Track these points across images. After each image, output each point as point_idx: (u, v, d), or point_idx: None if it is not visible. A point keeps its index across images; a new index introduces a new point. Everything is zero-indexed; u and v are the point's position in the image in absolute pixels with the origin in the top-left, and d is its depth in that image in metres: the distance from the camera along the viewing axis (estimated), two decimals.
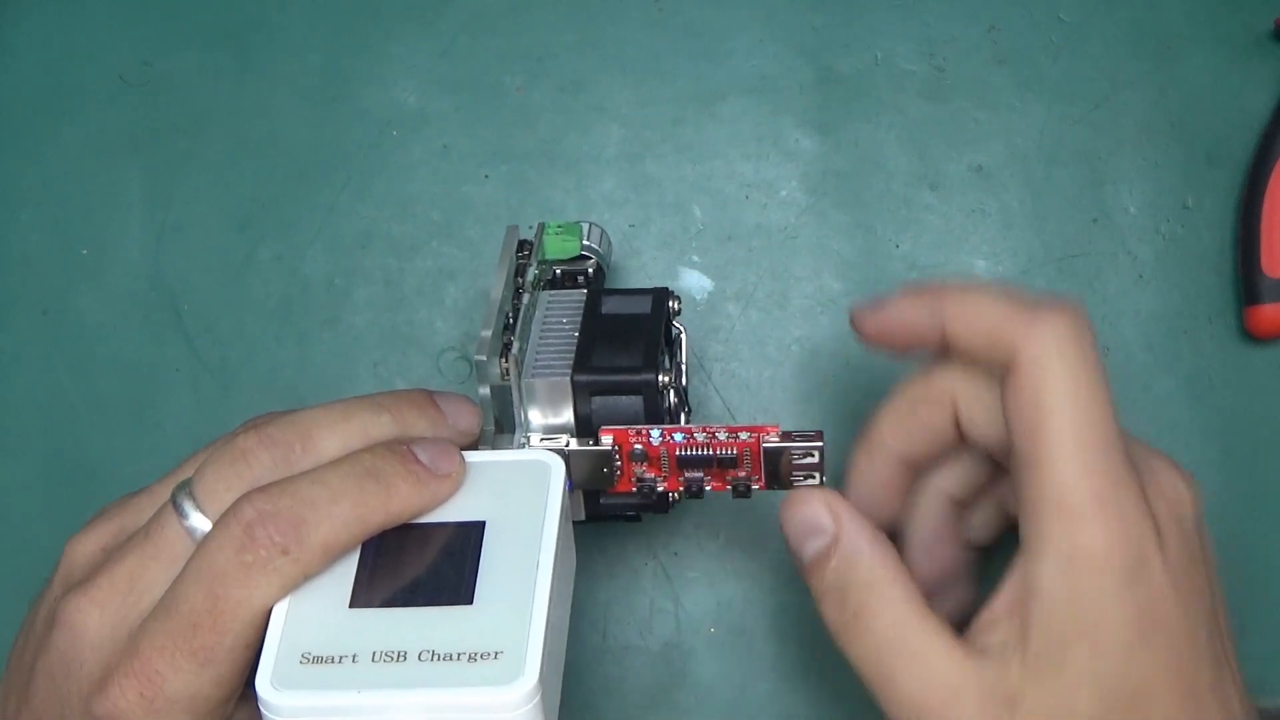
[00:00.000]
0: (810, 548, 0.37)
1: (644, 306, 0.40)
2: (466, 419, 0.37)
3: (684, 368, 0.41)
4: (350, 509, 0.33)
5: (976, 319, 0.36)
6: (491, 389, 0.38)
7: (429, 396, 0.37)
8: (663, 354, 0.39)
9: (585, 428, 0.38)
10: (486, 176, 0.49)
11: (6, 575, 0.47)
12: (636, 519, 0.42)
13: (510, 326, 0.39)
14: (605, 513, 0.40)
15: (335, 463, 0.34)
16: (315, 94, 0.50)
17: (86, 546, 0.36)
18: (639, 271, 0.48)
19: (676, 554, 0.46)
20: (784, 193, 0.49)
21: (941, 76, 0.49)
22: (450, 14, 0.50)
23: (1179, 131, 0.48)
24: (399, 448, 0.34)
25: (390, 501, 0.33)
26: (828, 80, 0.49)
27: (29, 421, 0.48)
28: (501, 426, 0.38)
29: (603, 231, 0.44)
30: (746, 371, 0.48)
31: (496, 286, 0.39)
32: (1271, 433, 0.47)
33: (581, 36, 0.50)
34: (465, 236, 0.49)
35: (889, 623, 0.35)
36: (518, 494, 0.35)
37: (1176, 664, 0.34)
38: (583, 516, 0.40)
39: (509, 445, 0.38)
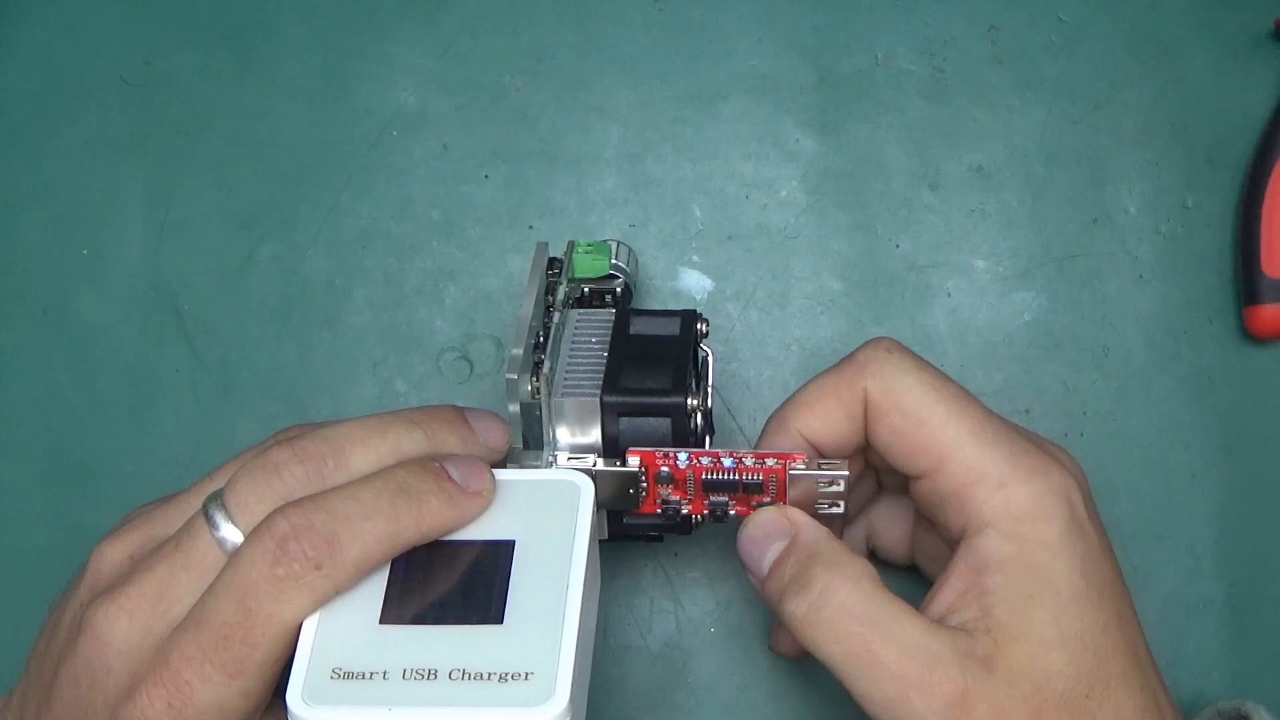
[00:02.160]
0: (770, 555, 0.37)
1: (672, 328, 0.40)
2: (497, 437, 0.37)
3: (710, 391, 0.41)
4: (383, 525, 0.33)
5: (813, 397, 0.38)
6: (521, 406, 0.38)
7: (460, 413, 0.37)
8: (690, 377, 0.39)
9: (612, 448, 0.38)
10: (486, 176, 0.49)
11: (6, 575, 0.47)
12: (659, 539, 0.42)
13: (540, 345, 0.39)
14: (628, 532, 0.40)
15: (368, 478, 0.34)
16: (315, 94, 0.50)
17: (114, 554, 0.36)
18: (639, 272, 0.48)
19: (676, 554, 0.47)
20: (784, 193, 0.49)
21: (941, 76, 0.49)
22: (450, 14, 0.50)
23: (1179, 131, 0.48)
24: (431, 465, 0.34)
25: (422, 518, 0.34)
26: (828, 80, 0.49)
27: (29, 421, 0.48)
28: (528, 444, 0.38)
29: (630, 250, 0.44)
30: (746, 371, 0.48)
31: (527, 304, 0.39)
32: (1271, 433, 0.47)
33: (581, 36, 0.50)
34: (465, 236, 0.49)
35: (859, 598, 0.35)
36: (547, 513, 0.35)
37: (1119, 619, 0.36)
38: (605, 536, 0.40)
39: (536, 463, 0.38)
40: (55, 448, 0.48)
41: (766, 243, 0.48)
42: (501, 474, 0.36)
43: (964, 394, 0.37)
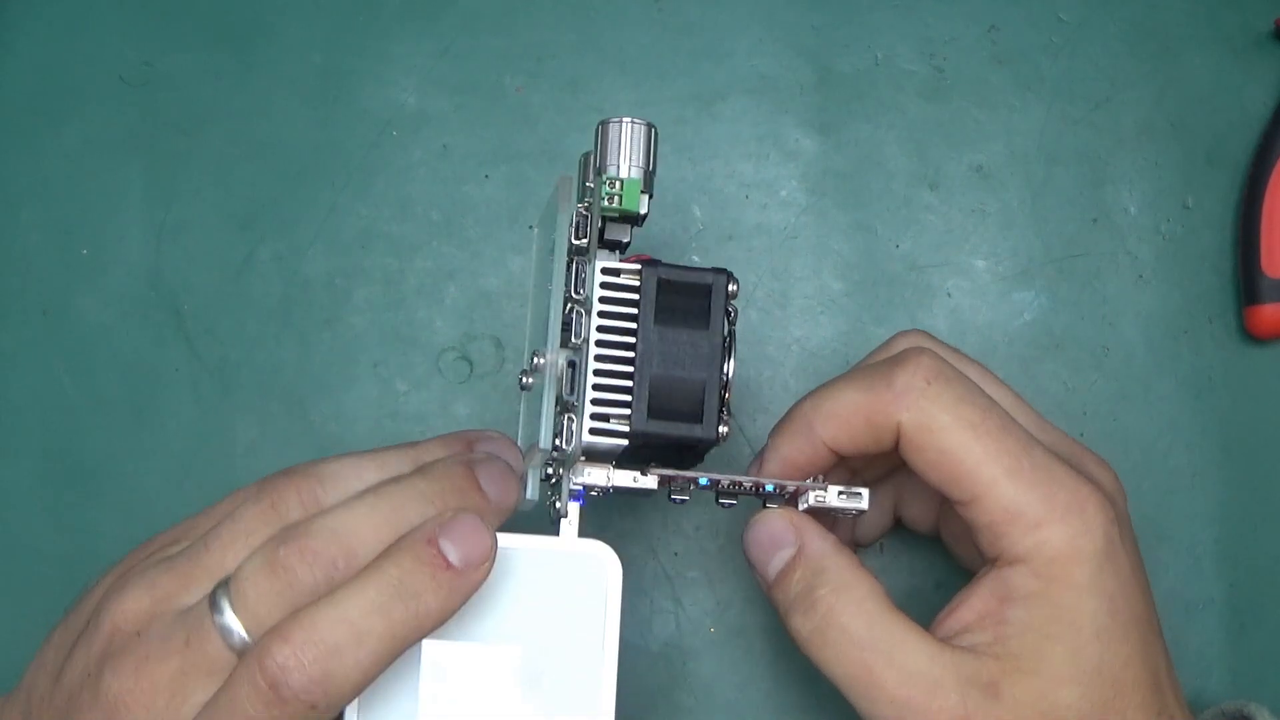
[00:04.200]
0: (776, 562, 0.37)
1: (703, 302, 0.36)
2: (508, 495, 0.36)
3: (731, 368, 0.37)
4: (377, 645, 0.32)
5: (844, 410, 0.37)
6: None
7: (474, 479, 0.36)
8: (723, 388, 0.36)
9: (633, 460, 0.36)
10: (486, 176, 0.49)
11: (6, 575, 0.47)
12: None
13: (565, 339, 0.36)
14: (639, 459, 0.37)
15: (360, 586, 0.33)
16: (315, 94, 0.50)
17: (125, 620, 0.35)
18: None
19: (676, 554, 0.46)
20: (784, 193, 0.49)
21: (941, 76, 0.49)
22: (450, 14, 0.50)
23: (1179, 131, 0.48)
24: (426, 553, 0.33)
25: (421, 622, 0.33)
26: (828, 80, 0.49)
27: (29, 421, 0.48)
28: (563, 405, 0.36)
29: (652, 130, 0.37)
30: (746, 371, 0.48)
31: (557, 284, 0.36)
32: (1271, 433, 0.47)
33: (581, 36, 0.50)
34: (465, 236, 0.49)
35: (862, 622, 0.35)
36: (571, 600, 0.35)
37: (1143, 651, 0.35)
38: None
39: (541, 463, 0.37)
40: (55, 448, 0.48)
41: (766, 243, 0.48)
42: (516, 541, 0.35)
43: (1004, 425, 0.36)
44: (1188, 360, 0.47)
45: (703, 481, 0.37)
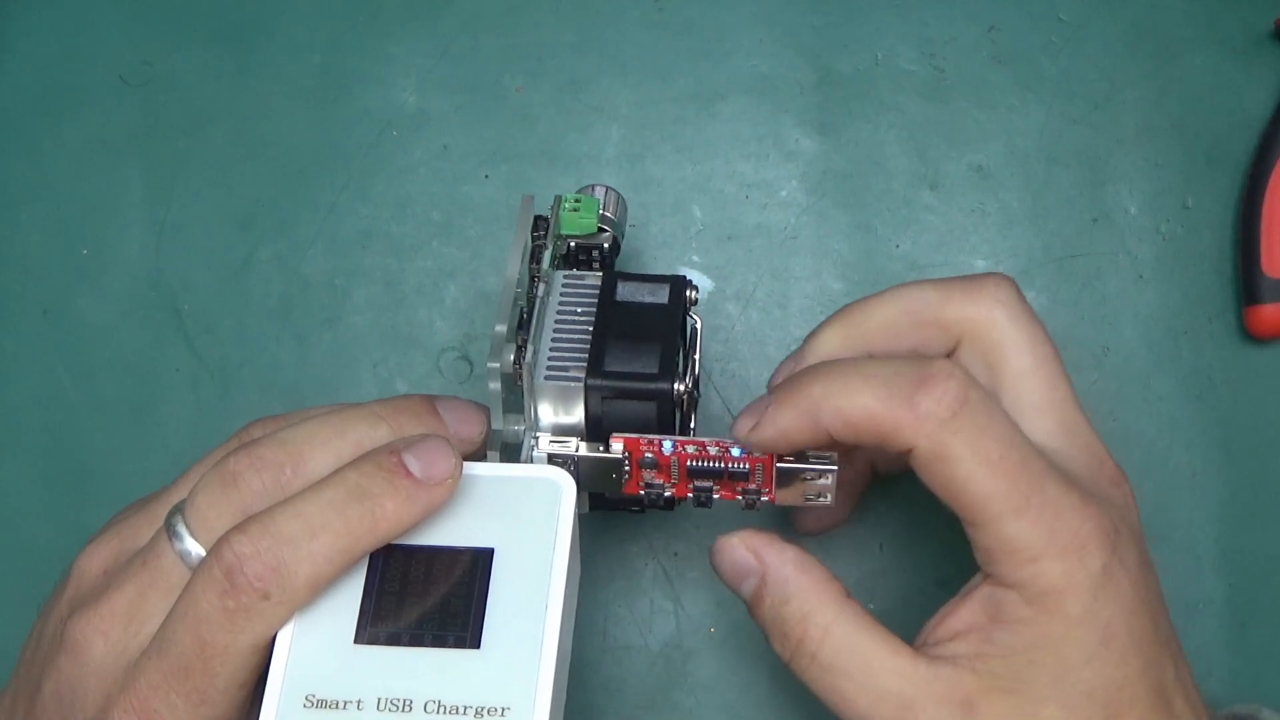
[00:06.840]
0: (745, 589, 0.37)
1: (661, 296, 0.38)
2: (470, 427, 0.37)
3: (697, 361, 0.39)
4: (332, 541, 0.32)
5: (856, 415, 0.34)
6: (502, 380, 0.37)
7: (429, 404, 0.36)
8: (679, 354, 0.38)
9: (596, 430, 0.37)
10: (486, 176, 0.49)
11: (6, 575, 0.47)
12: (641, 511, 0.42)
13: (524, 322, 0.38)
14: (610, 504, 0.39)
15: (318, 488, 0.33)
16: (315, 94, 0.50)
17: (92, 565, 0.36)
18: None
19: (676, 554, 0.46)
20: (784, 193, 0.49)
21: (941, 76, 0.49)
22: (450, 14, 0.50)
23: (1179, 131, 0.48)
24: (387, 460, 0.33)
25: (377, 524, 0.33)
26: (828, 80, 0.49)
27: (29, 421, 0.48)
28: (509, 406, 0.37)
29: (619, 196, 0.42)
30: (746, 371, 0.48)
31: (511, 267, 0.38)
32: (1271, 433, 0.47)
33: (581, 36, 0.50)
34: (465, 236, 0.49)
35: (829, 648, 0.35)
36: (527, 516, 0.34)
37: (1143, 667, 0.35)
38: (586, 509, 0.39)
39: (518, 439, 0.37)
40: (55, 448, 0.48)
41: (766, 243, 0.48)
42: (479, 468, 0.35)
43: (1023, 461, 0.34)
44: (1188, 360, 0.47)
45: (666, 446, 0.36)
